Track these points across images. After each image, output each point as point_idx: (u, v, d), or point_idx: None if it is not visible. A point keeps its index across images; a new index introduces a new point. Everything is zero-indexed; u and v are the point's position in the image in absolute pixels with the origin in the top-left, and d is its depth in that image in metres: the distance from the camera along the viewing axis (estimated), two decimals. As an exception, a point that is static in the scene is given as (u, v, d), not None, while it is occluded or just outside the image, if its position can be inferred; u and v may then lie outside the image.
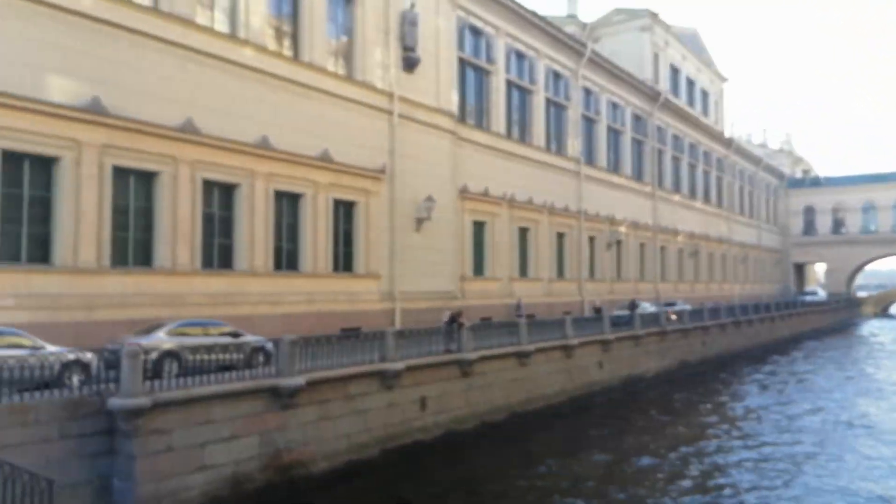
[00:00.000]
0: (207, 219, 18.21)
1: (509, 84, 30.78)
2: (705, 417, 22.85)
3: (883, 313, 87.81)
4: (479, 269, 28.06)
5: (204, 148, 17.72)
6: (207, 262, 18.16)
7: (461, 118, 27.43)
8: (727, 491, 14.52)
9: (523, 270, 30.66)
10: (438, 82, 25.72)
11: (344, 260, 22.12)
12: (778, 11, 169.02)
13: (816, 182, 78.48)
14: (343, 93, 21.83)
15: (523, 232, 30.78)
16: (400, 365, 15.74)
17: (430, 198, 24.16)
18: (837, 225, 73.39)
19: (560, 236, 33.43)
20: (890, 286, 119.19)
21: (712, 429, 20.96)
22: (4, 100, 14.01)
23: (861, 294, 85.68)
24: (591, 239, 35.96)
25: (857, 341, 53.68)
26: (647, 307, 32.77)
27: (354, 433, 14.62)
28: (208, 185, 18.15)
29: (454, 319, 18.41)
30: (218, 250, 18.59)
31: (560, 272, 33.31)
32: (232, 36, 18.88)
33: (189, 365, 13.26)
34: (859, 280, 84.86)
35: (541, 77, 32.76)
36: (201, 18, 18.25)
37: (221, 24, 18.89)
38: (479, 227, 28.10)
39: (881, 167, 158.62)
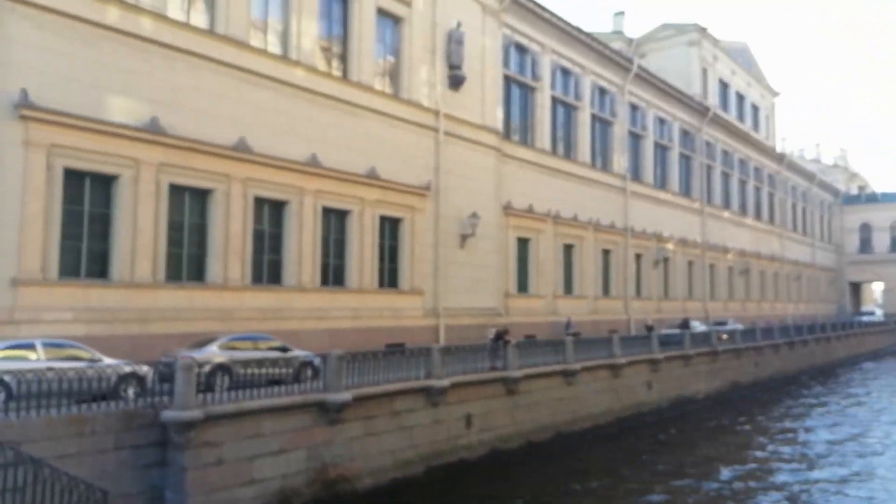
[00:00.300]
0: (258, 235, 18.57)
1: (554, 100, 30.67)
2: (762, 442, 22.00)
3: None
4: (523, 285, 27.84)
5: (256, 166, 18.12)
6: (257, 278, 18.49)
7: (506, 135, 27.42)
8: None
9: (568, 288, 30.29)
10: (483, 99, 25.81)
11: (389, 276, 22.24)
12: (832, 24, 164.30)
13: (873, 198, 75.63)
14: (390, 111, 22.10)
15: (568, 249, 30.46)
16: (445, 382, 15.67)
17: (474, 214, 24.15)
18: (896, 243, 70.50)
19: (606, 253, 32.96)
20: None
21: (770, 454, 20.16)
22: (67, 120, 14.62)
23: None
24: (638, 256, 35.34)
25: (920, 365, 51.11)
26: (698, 326, 31.95)
27: (399, 450, 14.58)
28: (259, 202, 18.53)
29: (500, 336, 18.28)
30: (267, 266, 18.93)
31: (606, 290, 32.79)
32: (284, 57, 19.34)
33: (239, 378, 13.46)
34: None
35: (586, 93, 32.55)
36: (255, 41, 18.77)
37: (274, 46, 19.38)
38: (523, 244, 27.93)
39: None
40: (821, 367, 41.08)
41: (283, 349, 15.18)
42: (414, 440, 14.99)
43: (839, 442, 21.75)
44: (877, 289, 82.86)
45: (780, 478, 17.37)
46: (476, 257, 24.86)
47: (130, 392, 12.04)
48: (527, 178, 28.10)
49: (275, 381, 13.73)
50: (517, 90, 28.97)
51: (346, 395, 13.24)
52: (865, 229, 72.05)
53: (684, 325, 30.31)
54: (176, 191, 16.78)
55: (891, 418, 26.13)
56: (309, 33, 19.95)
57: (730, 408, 27.15)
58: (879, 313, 70.73)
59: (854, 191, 79.74)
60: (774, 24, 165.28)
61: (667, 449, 20.15)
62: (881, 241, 70.94)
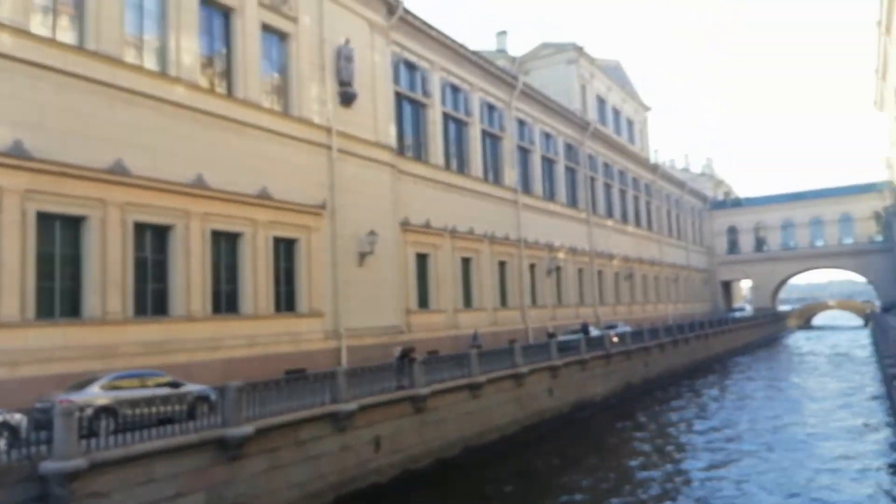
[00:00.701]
0: (140, 263, 17.31)
1: (446, 117, 31.10)
2: (657, 438, 23.15)
3: (806, 325, 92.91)
4: (423, 301, 27.82)
5: (135, 189, 16.92)
6: (141, 310, 17.21)
7: (400, 151, 27.43)
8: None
9: (467, 301, 30.62)
10: (376, 116, 25.69)
11: (286, 299, 21.47)
12: (695, 42, 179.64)
13: (738, 203, 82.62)
14: (280, 129, 21.47)
15: (466, 262, 30.84)
16: (353, 405, 15.28)
17: (372, 232, 23.89)
18: (759, 243, 77.23)
19: (502, 265, 33.67)
20: (809, 299, 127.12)
21: (664, 449, 21.23)
22: (-88, 145, 13.02)
23: (784, 308, 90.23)
24: (532, 266, 36.39)
25: (785, 353, 56.17)
26: (592, 331, 33.27)
27: (307, 481, 14.02)
28: (140, 228, 17.30)
29: (406, 354, 18.10)
30: (152, 296, 17.67)
31: (503, 301, 33.45)
32: (162, 74, 18.29)
33: (127, 420, 12.42)
34: (782, 294, 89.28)
35: (476, 109, 33.27)
36: (129, 57, 17.63)
37: (151, 63, 18.29)
38: (422, 260, 27.96)
39: (798, 187, 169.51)
40: (702, 362, 44.05)
41: (175, 384, 14.18)
42: (321, 469, 14.48)
43: (721, 429, 23.31)
44: (745, 286, 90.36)
45: (679, 466, 18.33)
46: (376, 275, 24.58)
47: (2, 444, 10.75)
48: (422, 193, 28.23)
49: (167, 420, 12.77)
50: (409, 107, 29.11)
51: (247, 429, 12.57)
52: (732, 232, 78.49)
53: (584, 329, 31.55)
54: (45, 219, 15.33)
55: (766, 406, 28.38)
56: (189, 50, 19.02)
57: (625, 407, 28.43)
58: (749, 309, 77.20)
59: (720, 196, 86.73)
60: (644, 43, 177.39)
61: (573, 452, 20.68)
62: (747, 242, 77.47)
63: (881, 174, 68.38)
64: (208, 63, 20.13)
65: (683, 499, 15.78)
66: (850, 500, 15.07)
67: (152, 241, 17.82)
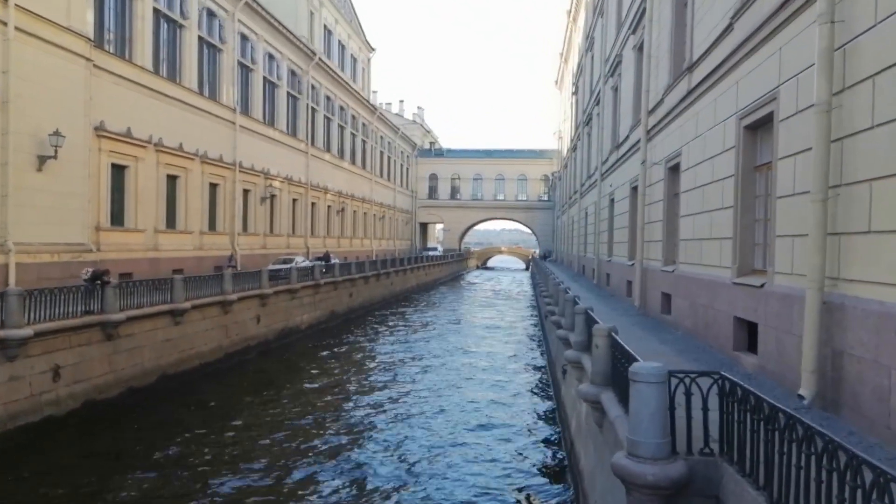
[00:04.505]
0: None
1: (157, 14, 27.55)
2: (352, 361, 24.67)
3: (484, 265, 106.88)
4: (118, 218, 24.88)
5: None
6: None
7: (99, 44, 23.61)
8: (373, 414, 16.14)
9: (171, 222, 28.27)
10: (70, -4, 21.59)
11: (-68, 202, 17.34)
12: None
13: (440, 153, 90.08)
14: (-69, -15, 16.79)
15: (172, 180, 28.27)
16: (27, 331, 13.29)
17: (57, 132, 20.36)
18: (454, 191, 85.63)
19: (213, 187, 31.67)
20: (486, 243, 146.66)
21: (349, 370, 22.78)
22: None
23: (469, 249, 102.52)
24: (246, 192, 34.97)
25: (467, 289, 63.87)
26: (302, 261, 33.59)
27: (-36, 417, 11.93)
28: None
29: (98, 277, 16.18)
30: None
31: (212, 225, 31.67)
32: None
33: None
34: (468, 238, 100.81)
35: (193, 12, 30.07)
36: None
37: None
38: (119, 172, 24.83)
39: (491, 144, 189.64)
40: (400, 293, 47.79)
41: None
42: (-17, 403, 12.43)
43: (410, 353, 25.89)
44: (438, 228, 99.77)
45: (362, 383, 19.92)
46: (60, 184, 21.14)
47: None
48: (124, 97, 24.84)
49: None
50: (112, -7, 25.06)
51: None
52: (433, 178, 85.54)
53: (326, 258, 32.00)
54: None
55: (445, 331, 32.21)
56: None
57: (328, 334, 29.61)
58: (440, 249, 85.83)
59: (427, 145, 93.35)
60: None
61: (267, 377, 20.95)
62: (444, 190, 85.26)
63: (553, 143, 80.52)
64: None
65: (362, 407, 17.25)
66: (486, 400, 18.20)
67: None
